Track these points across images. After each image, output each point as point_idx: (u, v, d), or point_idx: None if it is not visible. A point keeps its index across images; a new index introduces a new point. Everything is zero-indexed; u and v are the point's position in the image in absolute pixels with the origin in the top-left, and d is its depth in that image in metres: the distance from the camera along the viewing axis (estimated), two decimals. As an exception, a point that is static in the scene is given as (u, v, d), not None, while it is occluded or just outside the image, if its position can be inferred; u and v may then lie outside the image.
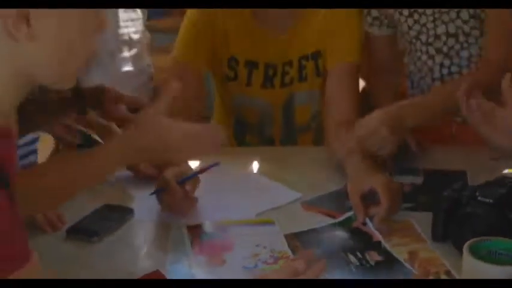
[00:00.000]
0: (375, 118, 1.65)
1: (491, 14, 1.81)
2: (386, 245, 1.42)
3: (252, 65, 1.98)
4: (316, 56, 1.96)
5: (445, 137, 1.93)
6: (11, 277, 0.93)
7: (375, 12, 1.96)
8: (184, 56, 1.95)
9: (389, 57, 2.03)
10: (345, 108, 1.86)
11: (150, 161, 1.65)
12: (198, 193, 1.61)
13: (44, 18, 0.95)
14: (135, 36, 2.32)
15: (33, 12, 0.93)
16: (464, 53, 1.89)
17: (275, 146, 2.07)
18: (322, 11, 1.91)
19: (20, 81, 1.00)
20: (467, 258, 1.24)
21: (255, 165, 1.84)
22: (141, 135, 1.32)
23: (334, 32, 1.91)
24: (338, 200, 1.62)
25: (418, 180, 1.70)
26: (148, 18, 2.44)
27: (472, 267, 1.23)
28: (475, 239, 1.26)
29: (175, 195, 1.55)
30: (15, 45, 0.95)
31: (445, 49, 1.90)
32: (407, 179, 1.70)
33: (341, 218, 1.53)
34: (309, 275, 1.10)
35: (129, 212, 1.59)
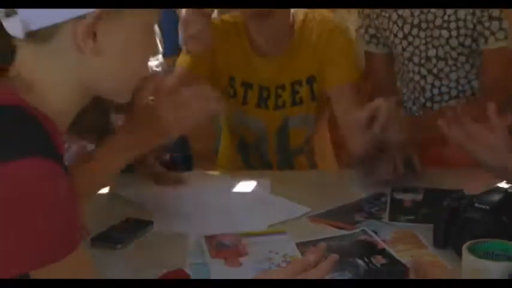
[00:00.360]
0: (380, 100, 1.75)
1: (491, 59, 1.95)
2: (390, 250, 1.52)
3: (247, 85, 2.12)
4: (311, 80, 2.09)
5: (444, 158, 2.03)
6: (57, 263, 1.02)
7: (372, 30, 2.09)
8: (185, 62, 2.09)
9: (388, 76, 2.15)
10: None
11: (153, 147, 1.55)
12: (212, 209, 1.74)
13: (110, 34, 1.06)
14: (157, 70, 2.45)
15: (101, 28, 1.05)
16: (453, 76, 2.02)
17: (273, 167, 2.18)
18: (315, 36, 2.05)
19: (82, 93, 1.11)
20: (467, 257, 1.34)
21: (266, 185, 1.94)
22: (135, 125, 1.42)
23: (329, 57, 2.04)
24: (347, 214, 1.73)
25: (419, 197, 1.81)
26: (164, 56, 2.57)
27: (471, 265, 1.33)
28: (473, 241, 1.36)
29: None
30: (82, 58, 1.06)
31: (435, 71, 2.03)
32: (409, 196, 1.81)
33: (350, 232, 1.63)
34: (321, 269, 1.20)
35: (149, 223, 1.69)
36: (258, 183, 1.94)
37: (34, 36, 1.05)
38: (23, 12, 1.04)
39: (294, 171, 2.15)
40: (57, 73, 1.08)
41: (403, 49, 2.05)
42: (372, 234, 1.60)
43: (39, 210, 0.98)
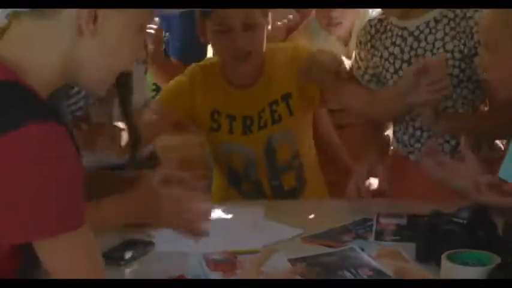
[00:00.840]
0: None
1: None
2: (376, 264, 1.64)
3: (231, 117, 2.29)
4: (287, 97, 2.26)
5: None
6: (61, 237, 1.12)
7: (370, 70, 2.24)
8: (166, 100, 2.30)
9: None
10: None
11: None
12: (213, 230, 1.86)
13: (110, 20, 1.18)
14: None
15: (102, 12, 1.16)
16: (441, 105, 2.12)
17: (264, 189, 2.30)
18: (282, 59, 2.25)
19: (60, 78, 1.21)
20: (445, 265, 1.48)
21: (260, 211, 2.07)
22: (139, 203, 1.54)
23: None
24: (336, 235, 1.86)
25: (403, 221, 1.93)
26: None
27: (449, 272, 1.47)
28: (451, 251, 1.50)
29: None
30: (76, 40, 1.17)
31: None
32: (393, 221, 1.93)
33: (339, 249, 1.76)
34: None
35: (150, 243, 1.81)
36: (252, 210, 2.06)
37: (37, 11, 1.15)
38: None
39: (286, 201, 2.26)
40: (46, 53, 1.18)
41: (395, 83, 2.17)
42: (359, 251, 1.72)
43: (50, 173, 1.09)
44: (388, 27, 2.19)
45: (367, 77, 2.27)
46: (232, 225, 1.97)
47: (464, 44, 2.06)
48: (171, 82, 2.36)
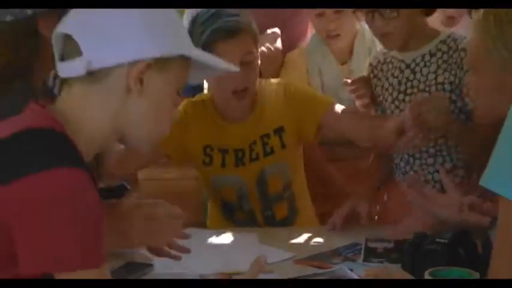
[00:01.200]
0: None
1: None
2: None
3: (224, 151, 2.38)
4: (280, 131, 2.36)
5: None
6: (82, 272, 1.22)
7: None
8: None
9: None
10: None
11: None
12: (205, 255, 1.96)
13: (154, 82, 1.31)
14: None
15: (148, 75, 1.30)
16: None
17: (256, 217, 2.39)
18: (274, 94, 2.38)
19: (110, 134, 1.35)
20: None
21: (253, 236, 2.17)
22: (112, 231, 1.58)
23: (296, 102, 2.37)
24: (326, 258, 1.98)
25: (390, 245, 2.03)
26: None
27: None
28: (433, 268, 1.60)
29: None
30: (125, 99, 1.31)
31: None
32: (381, 245, 2.04)
33: (328, 270, 1.86)
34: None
35: (149, 266, 1.91)
36: (247, 236, 2.16)
37: (91, 75, 1.29)
38: (87, 53, 1.28)
39: (279, 228, 2.36)
40: (98, 111, 1.32)
41: (392, 112, 2.32)
42: (348, 271, 1.82)
43: (73, 213, 1.20)
44: (389, 59, 2.35)
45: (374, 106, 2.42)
46: (228, 249, 2.07)
47: (455, 75, 2.20)
48: None
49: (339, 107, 2.36)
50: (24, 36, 1.56)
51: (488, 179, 1.40)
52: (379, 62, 2.39)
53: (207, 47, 2.23)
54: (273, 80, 2.50)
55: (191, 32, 2.24)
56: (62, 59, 1.33)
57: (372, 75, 2.41)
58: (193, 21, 2.32)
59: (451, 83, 2.21)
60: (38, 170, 1.20)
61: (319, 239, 2.16)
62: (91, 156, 1.37)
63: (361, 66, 2.61)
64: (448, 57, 2.23)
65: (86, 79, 1.30)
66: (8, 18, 1.55)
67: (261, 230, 2.27)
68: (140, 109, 1.33)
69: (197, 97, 2.48)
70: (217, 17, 2.28)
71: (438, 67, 2.23)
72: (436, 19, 2.60)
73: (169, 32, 1.36)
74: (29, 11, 1.54)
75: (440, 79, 2.23)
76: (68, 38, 1.32)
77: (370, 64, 2.43)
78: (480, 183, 1.40)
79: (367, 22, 2.30)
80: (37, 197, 1.20)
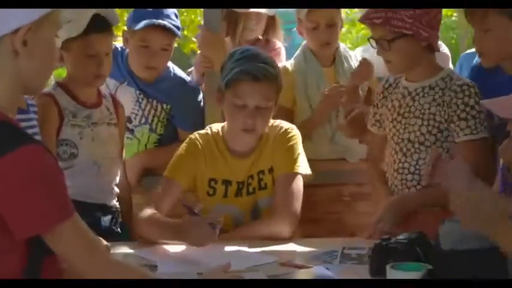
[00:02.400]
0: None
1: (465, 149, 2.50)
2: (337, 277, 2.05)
3: (227, 182, 2.68)
4: (271, 170, 2.67)
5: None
6: (62, 226, 1.54)
7: (377, 116, 2.75)
8: (170, 173, 2.67)
9: (382, 150, 2.77)
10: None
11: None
12: (201, 259, 2.26)
13: (35, 41, 1.58)
14: None
15: (29, 37, 1.57)
16: (415, 156, 2.60)
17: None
18: (271, 137, 2.66)
19: (17, 90, 1.63)
20: (389, 272, 1.89)
21: (244, 245, 2.47)
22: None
23: (279, 153, 2.65)
24: (307, 261, 2.27)
25: (363, 251, 2.31)
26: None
27: (391, 276, 1.88)
28: (394, 262, 1.91)
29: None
30: (16, 61, 1.58)
31: (404, 150, 2.62)
32: (356, 252, 2.32)
33: (308, 269, 2.17)
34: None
35: (154, 266, 2.20)
36: (238, 243, 2.46)
37: None
38: None
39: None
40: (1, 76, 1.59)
41: (390, 130, 2.68)
42: (325, 269, 2.13)
43: (43, 179, 1.52)
44: (397, 84, 2.70)
45: (372, 121, 2.79)
46: (222, 254, 2.35)
47: (444, 111, 2.55)
48: (175, 155, 2.70)
49: (296, 179, 2.63)
50: None
51: None
52: (390, 85, 2.75)
53: (232, 82, 2.54)
54: (275, 122, 2.73)
55: (225, 63, 2.60)
56: None
57: (382, 94, 2.76)
58: (231, 56, 2.63)
59: (440, 115, 2.56)
60: (6, 152, 1.50)
61: (302, 248, 2.45)
62: (13, 114, 1.65)
63: (344, 68, 3.30)
64: (443, 93, 2.58)
65: None
66: None
67: (250, 241, 2.55)
68: (32, 64, 1.61)
69: (205, 130, 2.75)
70: (250, 60, 2.57)
71: (433, 99, 2.59)
72: None
73: None
74: None
75: (432, 110, 2.58)
76: None
77: (383, 86, 2.78)
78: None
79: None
80: (11, 174, 1.50)
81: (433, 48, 2.61)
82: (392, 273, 1.88)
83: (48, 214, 1.54)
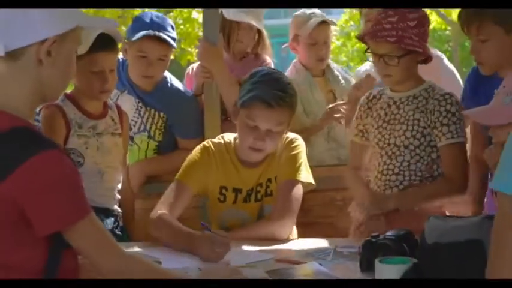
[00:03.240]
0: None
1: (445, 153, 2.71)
2: (330, 272, 2.19)
3: (237, 190, 2.82)
4: (276, 178, 2.81)
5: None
6: (81, 223, 1.68)
7: (360, 126, 2.93)
8: (182, 177, 2.81)
9: (362, 158, 2.96)
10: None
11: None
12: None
13: (59, 53, 1.73)
14: None
15: (54, 49, 1.71)
16: (399, 158, 2.76)
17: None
18: (279, 147, 2.80)
19: (37, 96, 1.77)
20: (377, 265, 2.04)
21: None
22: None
23: (285, 159, 2.80)
24: (301, 258, 2.42)
25: (354, 249, 2.46)
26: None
27: (379, 269, 2.03)
28: (381, 257, 2.06)
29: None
30: (40, 70, 1.72)
31: (390, 153, 2.79)
32: (348, 250, 2.48)
33: (303, 265, 2.32)
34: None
35: (159, 262, 2.34)
36: (237, 244, 2.60)
37: (9, 55, 1.69)
38: (3, 37, 1.67)
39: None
40: (20, 82, 1.73)
41: (375, 136, 2.85)
42: (318, 265, 2.28)
43: (63, 181, 1.67)
44: (381, 95, 2.88)
45: (356, 131, 2.96)
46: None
47: (428, 117, 2.73)
48: (188, 160, 2.84)
49: (296, 186, 2.78)
50: None
51: (498, 182, 1.64)
52: (374, 97, 2.92)
53: (246, 104, 2.68)
54: (286, 136, 2.85)
55: (245, 81, 2.76)
56: None
57: (366, 106, 2.93)
58: (251, 76, 2.76)
59: (424, 121, 2.74)
60: (29, 157, 1.64)
61: (297, 247, 2.60)
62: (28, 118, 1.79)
63: (333, 77, 3.68)
64: (426, 102, 2.75)
65: (6, 58, 1.70)
66: None
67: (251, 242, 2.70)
68: (53, 74, 1.76)
69: (219, 139, 2.88)
70: (268, 85, 2.68)
71: (417, 107, 2.76)
72: None
73: (66, 10, 1.76)
74: None
75: (417, 116, 2.76)
76: None
77: (367, 98, 2.95)
78: (490, 186, 1.77)
79: (373, 62, 2.81)
80: (34, 177, 1.65)
81: (426, 62, 2.79)
82: (380, 267, 2.03)
83: (67, 213, 1.69)
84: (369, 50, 2.77)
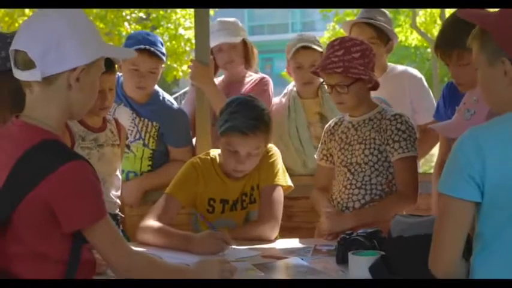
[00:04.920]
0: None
1: (398, 166, 3.03)
2: (311, 265, 2.52)
3: (224, 201, 3.14)
4: (258, 186, 3.13)
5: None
6: (98, 224, 2.00)
7: (324, 151, 3.25)
8: (171, 191, 3.13)
9: (329, 180, 3.28)
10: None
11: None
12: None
13: (85, 79, 2.05)
14: None
15: (82, 75, 2.03)
16: (360, 175, 3.09)
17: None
18: (264, 157, 3.12)
19: (65, 116, 2.09)
20: (350, 257, 2.37)
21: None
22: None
23: (264, 168, 3.13)
24: (284, 254, 2.75)
25: (332, 248, 2.77)
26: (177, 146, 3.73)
27: (352, 261, 2.36)
28: (354, 251, 2.39)
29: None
30: (69, 93, 2.03)
31: (352, 170, 3.11)
32: (326, 247, 2.80)
33: (286, 260, 2.65)
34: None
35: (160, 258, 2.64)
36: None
37: (45, 79, 1.98)
38: (40, 65, 1.97)
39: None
40: (51, 103, 2.03)
41: (338, 157, 3.18)
42: (299, 259, 2.61)
43: (87, 186, 1.99)
44: (342, 121, 3.23)
45: (321, 155, 3.28)
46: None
47: (382, 135, 3.07)
48: (177, 175, 3.15)
49: (277, 190, 3.11)
50: None
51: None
52: (336, 123, 3.26)
53: (224, 133, 2.98)
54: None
55: (223, 110, 3.06)
56: (16, 65, 2.02)
57: (329, 132, 3.26)
58: (228, 105, 3.06)
59: (379, 139, 3.07)
60: (59, 166, 1.95)
61: (281, 246, 2.93)
62: (58, 132, 2.09)
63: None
64: (380, 122, 3.10)
65: (42, 83, 2.01)
66: None
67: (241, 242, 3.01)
68: (80, 97, 2.07)
69: (205, 155, 3.20)
70: (242, 114, 2.96)
71: (372, 128, 3.10)
72: None
73: (93, 42, 2.07)
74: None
75: (372, 135, 3.09)
76: (23, 53, 1.99)
77: (329, 125, 3.28)
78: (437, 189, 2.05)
79: (328, 92, 3.15)
80: (62, 183, 1.96)
81: (374, 88, 3.12)
82: (353, 259, 2.36)
83: (89, 214, 2.01)
84: (324, 82, 3.11)
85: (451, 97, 3.20)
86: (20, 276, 1.98)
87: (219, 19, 4.00)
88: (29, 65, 2.01)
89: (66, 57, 2.01)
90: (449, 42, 2.85)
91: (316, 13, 24.81)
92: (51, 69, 2.01)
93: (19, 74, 2.04)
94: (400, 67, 4.04)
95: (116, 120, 3.45)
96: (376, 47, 3.60)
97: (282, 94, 3.93)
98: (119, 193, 3.41)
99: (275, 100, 3.91)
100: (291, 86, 3.93)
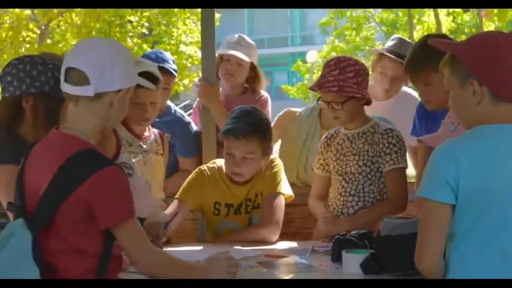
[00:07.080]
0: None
1: (389, 176, 3.31)
2: (309, 262, 2.80)
3: (229, 205, 3.42)
4: (261, 193, 3.40)
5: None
6: (127, 223, 2.29)
7: (321, 161, 3.51)
8: (181, 196, 3.42)
9: (325, 187, 3.53)
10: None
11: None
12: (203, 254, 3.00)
13: (124, 98, 2.36)
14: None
15: (123, 95, 2.35)
16: (354, 183, 3.36)
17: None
18: (264, 167, 3.39)
19: (101, 127, 2.38)
20: (344, 255, 2.65)
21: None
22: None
23: (267, 176, 3.40)
24: (285, 253, 3.03)
25: (328, 248, 3.04)
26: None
27: (345, 258, 2.65)
28: (348, 249, 2.68)
29: None
30: (109, 109, 2.34)
31: (347, 179, 3.39)
32: (323, 248, 3.07)
33: (286, 258, 2.93)
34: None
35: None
36: (233, 245, 3.20)
37: (94, 96, 2.29)
38: (94, 83, 2.28)
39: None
40: (94, 118, 2.34)
41: (334, 167, 3.45)
42: (298, 258, 2.89)
43: (122, 188, 2.29)
44: (337, 134, 3.49)
45: (318, 165, 3.55)
46: (222, 249, 3.08)
47: (374, 148, 3.35)
48: (186, 181, 3.44)
49: (278, 198, 3.37)
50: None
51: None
52: (332, 135, 3.53)
53: (222, 136, 3.27)
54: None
55: (228, 117, 3.37)
56: (67, 81, 2.32)
57: (326, 143, 3.53)
58: (232, 112, 3.36)
59: (372, 151, 3.35)
60: (98, 170, 2.25)
61: (282, 247, 3.21)
62: (93, 141, 2.37)
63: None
64: (373, 136, 3.37)
65: (89, 98, 2.31)
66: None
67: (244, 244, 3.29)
68: (116, 113, 2.39)
69: (212, 163, 3.50)
70: (239, 120, 3.24)
71: (366, 140, 3.38)
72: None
73: (134, 69, 2.42)
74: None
75: (365, 148, 3.37)
76: (77, 70, 2.28)
77: (326, 137, 3.56)
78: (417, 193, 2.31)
79: (324, 108, 3.42)
80: (98, 187, 2.24)
81: (367, 104, 3.38)
82: (346, 256, 2.65)
83: (121, 213, 2.29)
84: (320, 99, 3.37)
85: (423, 115, 3.51)
86: (62, 269, 2.26)
87: (241, 34, 4.23)
88: (83, 82, 2.30)
89: (116, 79, 2.33)
90: (419, 63, 3.16)
91: (315, 27, 25.10)
92: (103, 87, 2.32)
93: (69, 88, 2.33)
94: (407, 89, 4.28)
95: (160, 133, 3.73)
96: (399, 80, 4.02)
97: (310, 108, 4.08)
98: (164, 204, 3.64)
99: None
100: (318, 107, 3.88)
